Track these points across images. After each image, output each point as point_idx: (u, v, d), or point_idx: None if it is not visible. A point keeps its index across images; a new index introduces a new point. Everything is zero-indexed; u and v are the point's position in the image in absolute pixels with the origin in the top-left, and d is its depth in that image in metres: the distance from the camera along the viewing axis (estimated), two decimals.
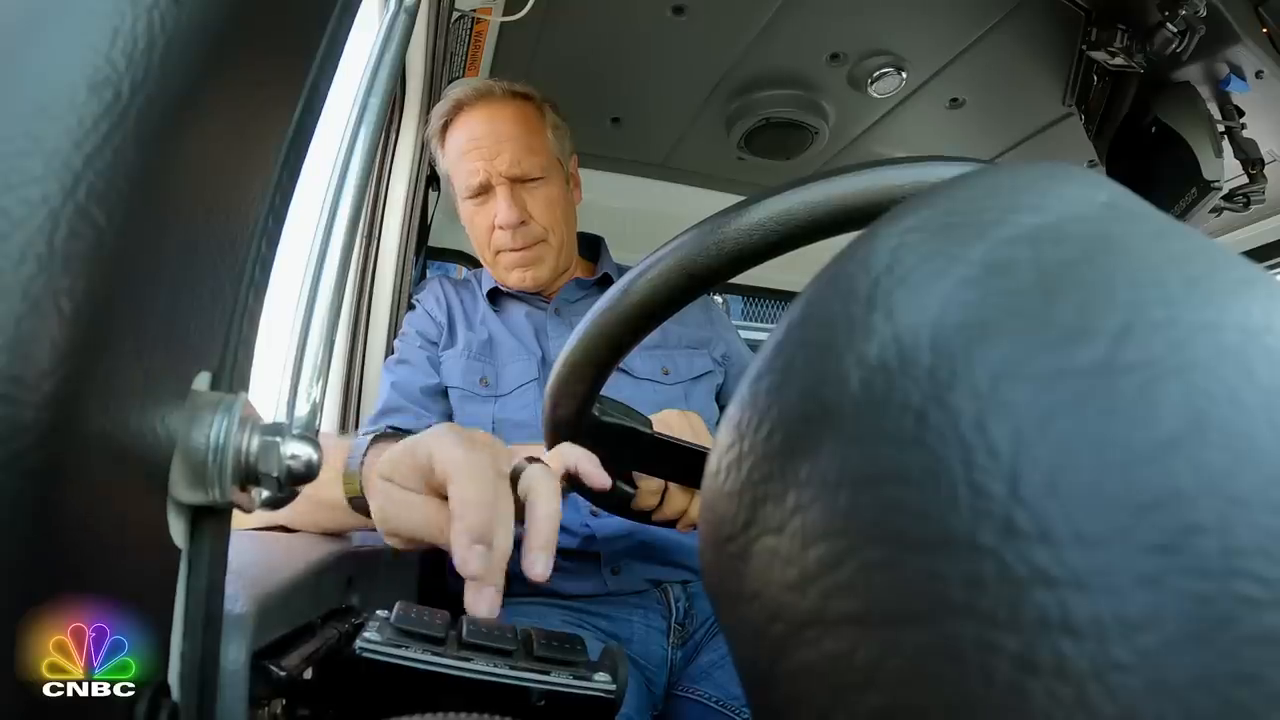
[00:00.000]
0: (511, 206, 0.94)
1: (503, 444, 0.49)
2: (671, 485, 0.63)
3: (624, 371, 0.94)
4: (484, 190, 0.96)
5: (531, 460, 0.45)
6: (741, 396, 0.19)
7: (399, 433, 0.55)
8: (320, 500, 0.53)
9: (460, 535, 0.38)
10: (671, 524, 0.65)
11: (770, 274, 1.84)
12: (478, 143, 0.95)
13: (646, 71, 1.31)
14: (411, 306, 1.09)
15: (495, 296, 1.04)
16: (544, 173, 0.97)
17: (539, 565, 0.40)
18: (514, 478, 0.43)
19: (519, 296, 1.03)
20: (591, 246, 1.14)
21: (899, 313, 0.16)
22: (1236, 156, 1.13)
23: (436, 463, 0.42)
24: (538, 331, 1.00)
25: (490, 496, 0.39)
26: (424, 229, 1.36)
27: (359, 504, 0.51)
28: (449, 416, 0.94)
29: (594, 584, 0.86)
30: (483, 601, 0.38)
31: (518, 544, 0.41)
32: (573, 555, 0.85)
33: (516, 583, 0.83)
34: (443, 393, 0.95)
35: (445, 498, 0.43)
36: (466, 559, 0.37)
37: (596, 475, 0.49)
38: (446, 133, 1.00)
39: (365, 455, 0.51)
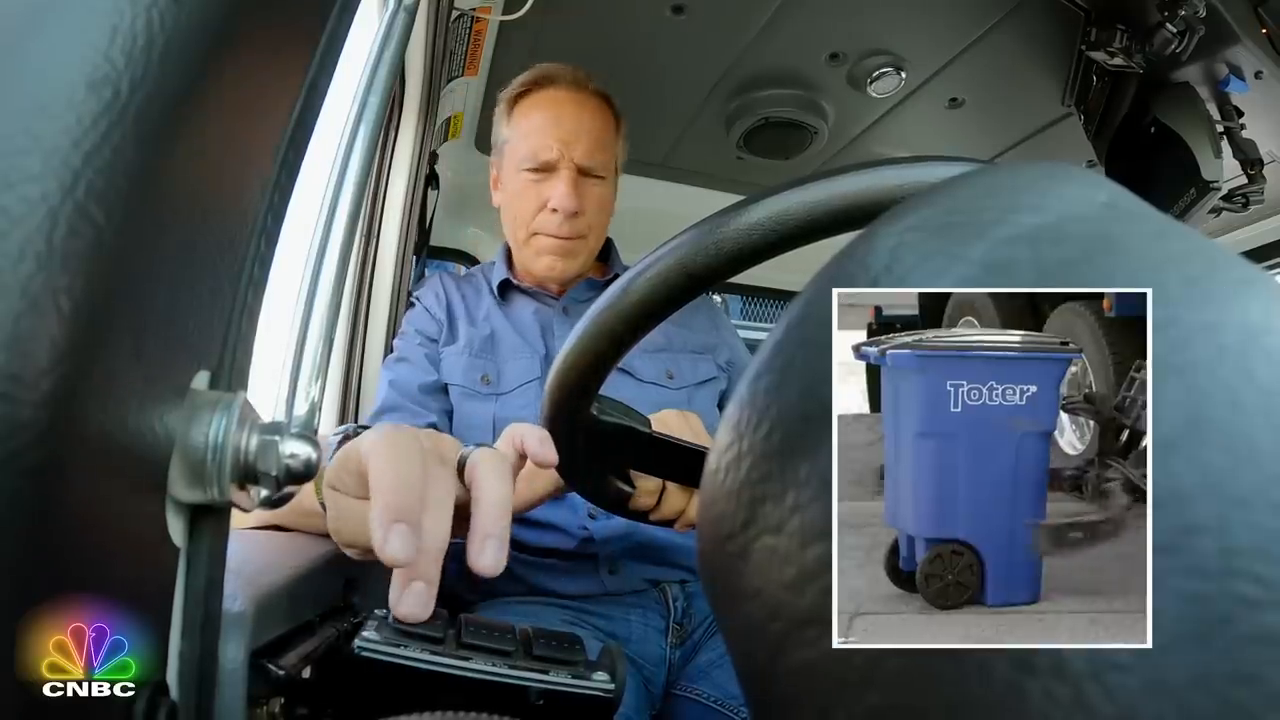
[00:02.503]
0: (572, 194, 0.94)
1: (453, 439, 0.44)
2: (670, 485, 0.63)
3: (628, 374, 0.94)
4: (548, 168, 0.95)
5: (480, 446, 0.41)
6: (740, 396, 0.19)
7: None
8: (300, 505, 0.46)
9: (376, 514, 0.32)
10: (669, 524, 0.65)
11: (770, 274, 1.85)
12: (560, 121, 0.94)
13: (646, 71, 1.31)
14: (411, 304, 1.09)
15: (505, 290, 1.02)
16: (606, 173, 0.97)
17: (487, 554, 0.34)
18: (461, 466, 0.39)
19: (528, 292, 1.02)
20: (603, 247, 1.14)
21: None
22: (1235, 157, 1.13)
23: (361, 456, 0.36)
24: (544, 329, 0.99)
25: (411, 475, 0.34)
26: (423, 228, 1.36)
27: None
28: (449, 414, 0.93)
29: (592, 584, 0.85)
30: (410, 598, 0.33)
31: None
32: (570, 556, 0.85)
33: (514, 583, 0.85)
34: (442, 390, 0.94)
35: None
36: (385, 539, 0.31)
37: (542, 452, 0.45)
38: (523, 99, 0.98)
39: (333, 458, 0.45)
